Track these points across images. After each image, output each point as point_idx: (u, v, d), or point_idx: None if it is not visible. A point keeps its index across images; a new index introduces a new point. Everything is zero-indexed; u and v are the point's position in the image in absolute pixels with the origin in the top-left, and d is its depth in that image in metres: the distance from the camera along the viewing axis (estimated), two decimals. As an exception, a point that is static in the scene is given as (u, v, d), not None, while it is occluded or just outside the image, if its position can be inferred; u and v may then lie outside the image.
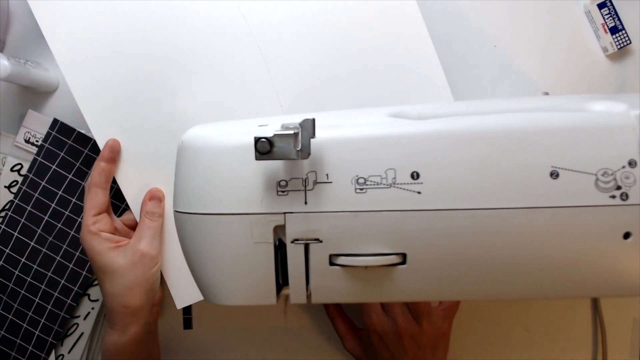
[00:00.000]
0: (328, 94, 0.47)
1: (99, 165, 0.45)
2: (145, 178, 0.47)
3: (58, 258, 0.52)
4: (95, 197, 0.45)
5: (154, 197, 0.46)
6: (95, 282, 0.54)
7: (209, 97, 0.47)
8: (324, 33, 0.47)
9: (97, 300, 0.54)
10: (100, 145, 0.46)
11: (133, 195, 0.47)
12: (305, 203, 0.29)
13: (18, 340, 0.52)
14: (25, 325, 0.52)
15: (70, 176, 0.52)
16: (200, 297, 0.44)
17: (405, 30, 0.47)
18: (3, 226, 0.52)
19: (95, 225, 0.44)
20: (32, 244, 0.52)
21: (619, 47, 0.54)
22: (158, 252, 0.46)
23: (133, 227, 0.48)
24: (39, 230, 0.52)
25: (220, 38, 0.46)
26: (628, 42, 0.54)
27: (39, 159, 0.52)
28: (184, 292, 0.48)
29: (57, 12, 0.45)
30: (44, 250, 0.52)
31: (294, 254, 0.30)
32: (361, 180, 0.28)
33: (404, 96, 0.48)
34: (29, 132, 0.53)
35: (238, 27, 0.47)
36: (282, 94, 0.47)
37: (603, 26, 0.54)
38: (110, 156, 0.45)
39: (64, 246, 0.52)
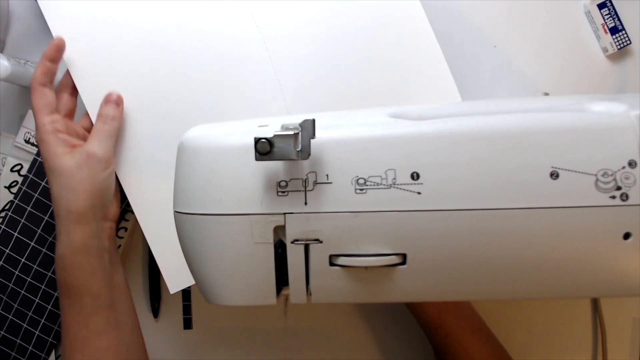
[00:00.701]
0: (334, 93, 0.47)
1: (45, 64, 0.44)
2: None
3: (58, 258, 0.52)
4: (43, 97, 0.43)
5: (109, 100, 0.45)
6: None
7: (213, 92, 0.47)
8: (331, 33, 0.47)
9: (97, 300, 0.54)
10: None
11: (94, 101, 0.46)
12: (305, 203, 0.29)
13: (18, 341, 0.52)
14: (25, 325, 0.52)
15: (70, 176, 0.52)
16: (193, 282, 0.44)
17: (411, 31, 0.47)
18: (3, 226, 0.52)
19: (52, 125, 0.43)
20: (32, 244, 0.52)
21: (619, 47, 0.54)
22: (109, 155, 0.44)
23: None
24: (39, 231, 0.52)
25: (227, 36, 0.47)
26: (628, 42, 0.54)
27: (39, 159, 0.52)
28: (177, 276, 0.48)
29: (66, 11, 0.45)
30: (44, 250, 0.52)
31: (294, 254, 0.30)
32: (361, 181, 0.28)
33: (411, 96, 0.48)
34: (29, 133, 0.53)
35: (246, 25, 0.47)
36: (287, 93, 0.47)
37: (603, 26, 0.54)
38: (57, 56, 0.44)
39: (64, 246, 0.52)
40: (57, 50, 0.44)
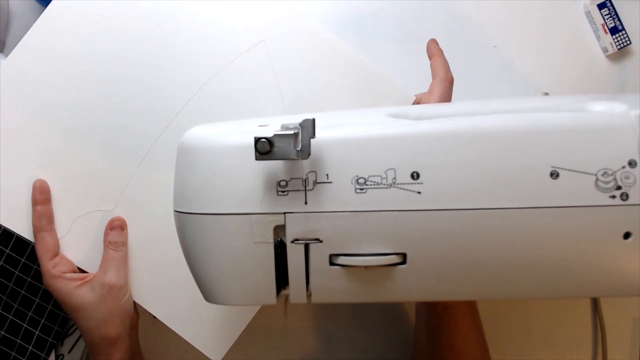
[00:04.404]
0: (329, 94, 0.47)
1: (36, 210, 0.45)
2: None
3: (58, 258, 0.52)
4: (43, 242, 0.45)
5: (115, 226, 0.46)
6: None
7: (211, 94, 0.47)
8: (328, 34, 0.47)
9: (97, 300, 0.54)
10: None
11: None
12: (306, 203, 0.29)
13: (18, 340, 0.52)
14: (25, 325, 0.52)
15: (70, 176, 0.52)
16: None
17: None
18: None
19: (56, 269, 0.44)
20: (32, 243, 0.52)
21: (619, 47, 0.54)
22: (126, 280, 0.46)
23: None
24: (39, 230, 0.52)
25: (241, 75, 0.47)
26: (628, 42, 0.54)
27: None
28: (212, 345, 0.49)
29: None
30: (44, 250, 0.52)
31: (294, 254, 0.30)
32: (361, 180, 0.28)
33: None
34: (29, 132, 0.53)
35: (246, 29, 0.47)
36: (285, 94, 0.47)
37: (603, 26, 0.54)
38: (43, 197, 0.45)
39: (64, 246, 0.52)
40: (42, 192, 0.45)
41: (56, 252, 0.45)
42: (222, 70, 0.47)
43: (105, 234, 0.46)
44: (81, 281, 0.45)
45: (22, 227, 0.45)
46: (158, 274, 0.48)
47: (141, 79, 0.46)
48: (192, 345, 0.49)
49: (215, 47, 0.47)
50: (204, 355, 0.49)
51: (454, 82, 0.46)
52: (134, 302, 0.48)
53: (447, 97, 0.44)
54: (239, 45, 0.47)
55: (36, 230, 0.45)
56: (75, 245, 0.46)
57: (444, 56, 0.46)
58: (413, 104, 0.47)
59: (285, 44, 0.47)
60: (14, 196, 0.45)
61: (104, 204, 0.47)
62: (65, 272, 0.45)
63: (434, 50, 0.47)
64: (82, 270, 0.47)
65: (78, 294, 0.44)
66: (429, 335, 0.48)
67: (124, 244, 0.46)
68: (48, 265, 0.44)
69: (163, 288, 0.48)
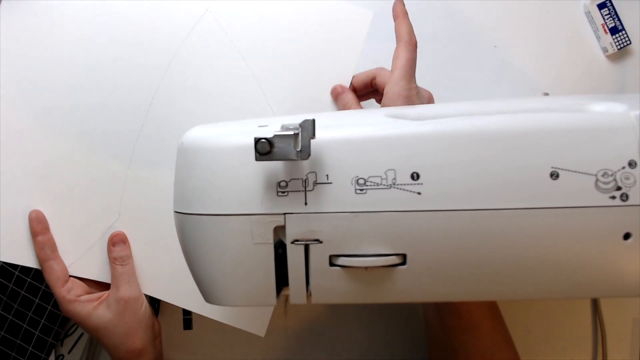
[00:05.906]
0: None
1: (37, 241, 0.45)
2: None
3: (58, 258, 0.52)
4: (52, 271, 0.45)
5: (117, 241, 0.46)
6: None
7: (177, 76, 0.47)
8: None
9: (97, 300, 0.54)
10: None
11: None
12: (305, 204, 0.29)
13: (18, 341, 0.52)
14: (25, 325, 0.52)
15: (70, 176, 0.52)
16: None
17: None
18: (3, 226, 0.52)
19: (71, 293, 0.45)
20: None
21: (619, 47, 0.54)
22: (139, 291, 0.46)
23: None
24: (39, 231, 0.52)
25: (199, 50, 0.47)
26: (628, 42, 0.54)
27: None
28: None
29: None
30: (44, 250, 0.52)
31: (294, 255, 0.30)
32: (361, 181, 0.28)
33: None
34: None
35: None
36: (248, 56, 0.47)
37: (603, 26, 0.54)
38: (41, 227, 0.45)
39: (64, 246, 0.52)
40: (39, 222, 0.45)
41: (66, 278, 0.45)
42: (179, 51, 0.46)
43: (109, 251, 0.46)
44: (97, 301, 0.45)
45: (27, 258, 0.45)
46: (180, 267, 0.47)
47: (105, 78, 0.46)
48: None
49: (164, 30, 0.46)
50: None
51: (453, 84, 0.46)
52: (154, 314, 0.48)
53: (412, 60, 0.43)
54: (186, 22, 0.46)
55: (42, 261, 0.45)
56: (90, 262, 0.47)
57: (408, 19, 0.44)
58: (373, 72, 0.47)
59: (230, 6, 0.47)
60: (10, 230, 0.45)
61: (107, 217, 0.47)
62: (80, 295, 0.45)
63: (398, 12, 0.45)
64: (98, 285, 0.47)
65: (97, 315, 0.45)
66: (446, 338, 0.46)
67: (129, 256, 0.46)
68: (62, 292, 0.45)
69: (189, 281, 0.48)
